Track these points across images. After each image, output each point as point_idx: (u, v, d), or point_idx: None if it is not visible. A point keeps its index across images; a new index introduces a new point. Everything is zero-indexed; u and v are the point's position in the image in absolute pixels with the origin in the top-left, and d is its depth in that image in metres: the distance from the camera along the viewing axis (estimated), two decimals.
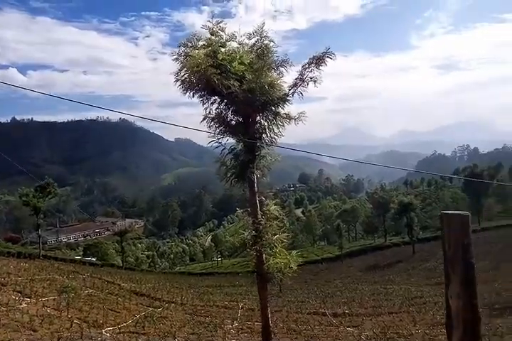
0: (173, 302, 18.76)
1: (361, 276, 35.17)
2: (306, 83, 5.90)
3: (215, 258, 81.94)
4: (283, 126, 6.08)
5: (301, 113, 6.02)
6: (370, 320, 15.74)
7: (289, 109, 6.05)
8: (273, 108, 5.88)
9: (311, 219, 77.98)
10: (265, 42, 5.37)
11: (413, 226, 40.39)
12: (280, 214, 7.18)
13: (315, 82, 5.88)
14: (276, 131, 6.13)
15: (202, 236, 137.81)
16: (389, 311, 17.47)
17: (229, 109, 6.04)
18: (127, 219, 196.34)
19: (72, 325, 10.72)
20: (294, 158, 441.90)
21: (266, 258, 6.15)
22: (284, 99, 5.85)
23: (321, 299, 22.93)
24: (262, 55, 5.29)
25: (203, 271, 63.81)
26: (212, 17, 5.51)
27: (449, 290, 2.81)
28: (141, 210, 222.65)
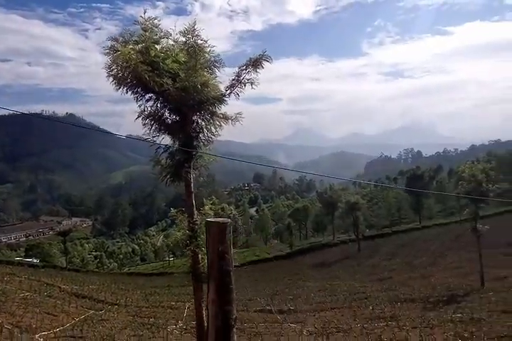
0: (116, 304, 18.18)
1: (309, 273, 36.06)
2: (243, 84, 5.95)
3: (167, 258, 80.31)
4: (220, 125, 6.10)
5: (237, 113, 6.08)
6: (314, 315, 16.19)
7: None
8: (209, 107, 5.88)
9: (264, 218, 78.85)
10: (198, 41, 5.35)
11: (359, 224, 42.15)
12: (218, 213, 7.15)
13: (252, 83, 5.96)
14: (213, 130, 6.14)
15: (154, 235, 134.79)
16: (332, 307, 18.06)
17: (165, 107, 5.97)
18: (74, 218, 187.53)
19: (1, 330, 10.07)
20: (249, 158, 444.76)
21: (202, 258, 6.14)
22: (220, 99, 5.86)
23: (269, 296, 23.24)
24: (194, 54, 5.27)
25: (154, 271, 62.37)
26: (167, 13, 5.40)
27: (208, 296, 2.82)
28: (89, 209, 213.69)
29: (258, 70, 5.91)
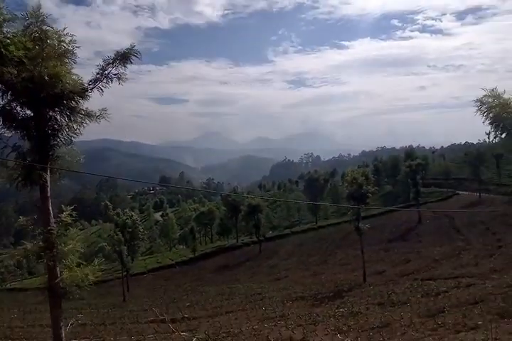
0: None
1: (211, 278, 35.85)
2: (109, 80, 5.47)
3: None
4: (83, 123, 5.52)
5: (102, 109, 5.56)
6: (208, 321, 15.97)
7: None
8: (69, 102, 5.27)
9: (168, 223, 76.53)
10: (44, 27, 4.74)
11: (260, 226, 43.30)
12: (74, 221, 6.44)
13: (119, 79, 5.51)
14: (75, 128, 5.52)
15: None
16: (227, 311, 18.04)
17: (15, 100, 5.19)
18: None
19: None
20: (155, 160, 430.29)
21: (60, 271, 5.45)
22: (81, 94, 5.30)
23: (166, 305, 22.42)
24: (39, 41, 4.66)
25: (42, 285, 55.95)
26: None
27: None
28: None
29: (127, 65, 5.50)
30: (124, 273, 32.72)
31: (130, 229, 34.33)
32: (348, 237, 37.89)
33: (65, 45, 4.94)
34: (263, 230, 49.36)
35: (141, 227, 53.44)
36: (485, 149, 52.63)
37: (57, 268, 5.44)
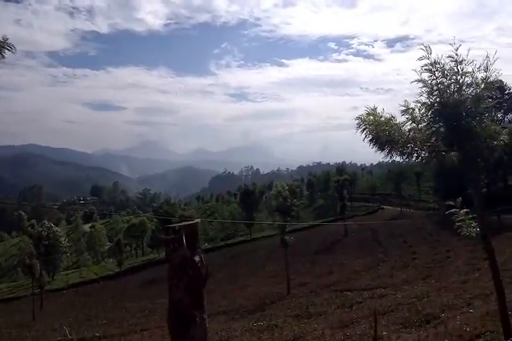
0: None
1: (136, 293, 34.08)
2: None
3: None
4: None
5: None
6: (119, 340, 14.98)
7: None
8: None
9: (95, 236, 72.28)
10: None
11: None
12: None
13: None
14: None
15: None
16: (144, 328, 17.13)
17: None
18: None
19: None
20: (87, 168, 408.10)
21: None
22: None
23: (79, 323, 20.79)
24: None
25: None
26: None
27: None
28: None
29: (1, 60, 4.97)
30: (38, 290, 29.98)
31: (46, 242, 31.66)
32: (279, 250, 38.25)
33: None
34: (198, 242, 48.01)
35: (62, 240, 49.85)
36: (406, 167, 56.70)
37: None
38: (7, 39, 4.99)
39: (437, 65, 4.56)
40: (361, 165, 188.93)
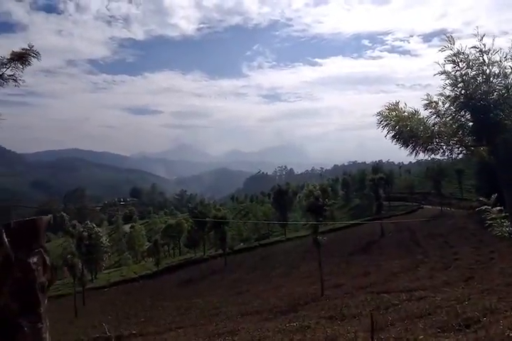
0: None
1: (173, 292, 34.85)
2: (4, 81, 5.14)
3: None
4: None
5: None
6: (154, 338, 15.34)
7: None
8: None
9: (134, 236, 74.58)
10: None
11: (226, 238, 42.73)
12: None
13: (15, 81, 5.19)
14: None
15: None
16: (179, 326, 17.44)
17: None
18: None
19: None
20: (127, 171, 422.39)
21: None
22: None
23: (118, 321, 21.50)
24: None
25: None
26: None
27: None
28: None
29: (24, 66, 5.20)
30: (81, 288, 31.34)
31: (87, 242, 33.04)
32: (313, 250, 37.88)
33: None
34: (232, 242, 48.74)
35: (103, 240, 51.88)
36: (447, 165, 54.37)
37: None
38: (32, 46, 5.22)
39: (461, 56, 4.29)
40: (399, 163, 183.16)
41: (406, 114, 4.85)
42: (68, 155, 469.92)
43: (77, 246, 30.10)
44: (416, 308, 14.88)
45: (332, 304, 18.50)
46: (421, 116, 4.78)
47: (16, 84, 5.20)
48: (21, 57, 5.13)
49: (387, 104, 4.81)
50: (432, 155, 4.83)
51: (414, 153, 4.89)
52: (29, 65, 5.19)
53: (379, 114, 4.82)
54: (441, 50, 4.38)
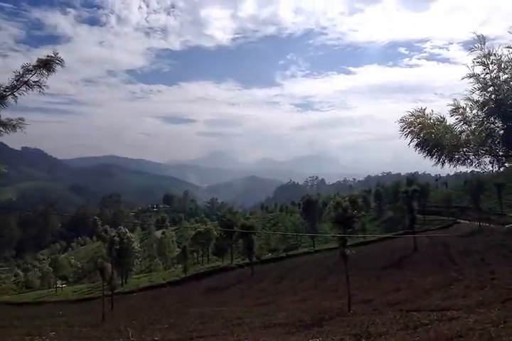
0: None
1: (199, 299, 34.85)
2: (29, 87, 5.30)
3: (59, 285, 72.12)
4: None
5: (19, 119, 5.37)
6: None
7: None
8: None
9: (164, 242, 75.79)
10: None
11: (253, 248, 42.49)
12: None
13: (40, 87, 5.34)
14: None
15: (44, 259, 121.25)
16: (200, 335, 17.27)
17: None
18: None
19: None
20: (160, 178, 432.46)
21: None
22: None
23: (142, 326, 21.65)
24: None
25: (38, 299, 55.18)
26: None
27: None
28: None
29: (49, 73, 5.34)
30: (109, 292, 31.98)
31: (118, 246, 33.78)
32: (342, 263, 36.94)
33: None
34: (260, 252, 48.39)
35: (135, 245, 52.97)
36: (486, 178, 51.82)
37: None
38: (57, 54, 5.36)
39: (492, 57, 3.97)
40: (436, 175, 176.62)
41: (432, 121, 4.55)
42: (106, 161, 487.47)
43: (109, 250, 30.86)
44: (447, 329, 14.00)
45: (358, 320, 17.76)
46: (448, 124, 4.47)
47: (41, 90, 5.34)
48: (46, 64, 5.28)
49: (411, 110, 4.54)
50: (459, 166, 4.49)
51: (439, 164, 4.58)
52: (53, 71, 5.33)
53: (402, 120, 4.55)
54: (471, 51, 4.07)
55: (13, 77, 5.21)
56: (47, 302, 46.83)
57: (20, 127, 5.40)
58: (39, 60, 5.25)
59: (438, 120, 4.53)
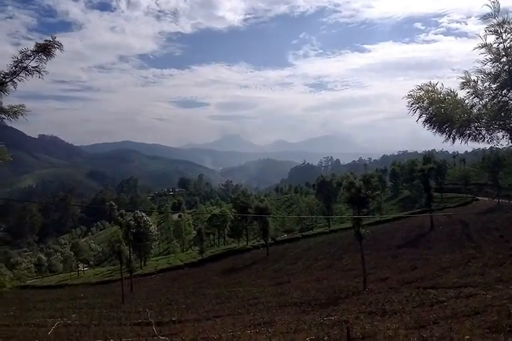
0: None
1: (215, 280, 35.55)
2: (28, 73, 5.24)
3: (81, 268, 74.68)
4: None
5: (20, 106, 5.34)
6: (193, 325, 15.64)
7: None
8: None
9: (181, 224, 76.95)
10: None
11: (268, 229, 42.76)
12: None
13: (39, 72, 5.27)
14: None
15: (65, 244, 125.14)
16: (217, 315, 17.67)
17: None
18: None
19: None
20: (176, 162, 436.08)
21: None
22: None
23: (160, 307, 22.25)
24: None
25: (61, 282, 57.21)
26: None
27: None
28: None
29: (47, 58, 5.27)
30: (128, 274, 32.85)
31: (134, 230, 34.44)
32: (357, 242, 37.01)
33: None
34: (275, 233, 48.70)
35: (152, 228, 53.94)
36: (505, 154, 50.46)
37: None
38: (55, 38, 5.25)
39: (506, 26, 3.69)
40: (453, 152, 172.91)
41: (441, 95, 4.33)
42: (122, 147, 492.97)
43: (125, 234, 31.60)
44: (464, 306, 13.97)
45: (374, 298, 17.89)
46: (458, 98, 4.24)
47: (40, 75, 5.27)
48: (45, 49, 5.18)
49: (420, 85, 4.31)
50: (471, 142, 4.27)
51: (450, 140, 4.38)
52: (52, 56, 5.24)
53: (410, 95, 4.33)
54: (484, 19, 3.79)
55: (12, 63, 5.14)
56: (69, 285, 48.51)
57: (21, 114, 5.36)
58: (37, 45, 5.15)
59: (448, 94, 4.30)
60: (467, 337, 10.39)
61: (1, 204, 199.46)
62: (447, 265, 24.47)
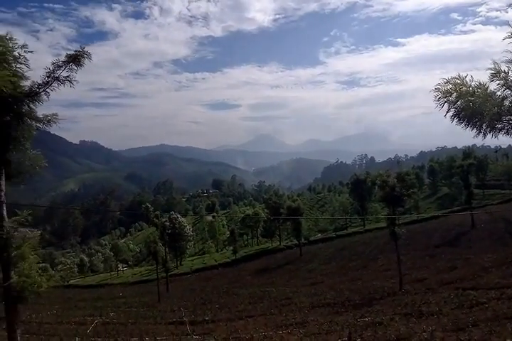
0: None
1: (249, 280, 35.71)
2: (60, 82, 5.49)
3: (120, 268, 77.35)
4: (32, 127, 5.56)
5: (53, 114, 5.59)
6: (226, 325, 15.80)
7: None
8: (19, 106, 5.35)
9: (214, 225, 77.92)
10: None
11: (300, 229, 42.44)
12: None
13: (70, 82, 5.51)
14: (26, 133, 5.56)
15: (106, 245, 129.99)
16: (249, 315, 17.76)
17: None
18: (21, 229, 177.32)
19: None
20: (209, 164, 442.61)
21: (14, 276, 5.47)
22: (31, 97, 5.36)
23: (195, 306, 22.62)
24: None
25: (102, 282, 59.52)
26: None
27: None
28: (38, 219, 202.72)
29: (78, 67, 5.50)
30: (164, 274, 33.63)
31: (169, 231, 35.22)
32: (393, 242, 36.05)
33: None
34: (309, 233, 48.27)
35: (187, 229, 54.96)
36: None
37: (12, 272, 5.47)
38: (84, 48, 5.47)
39: None
40: (496, 147, 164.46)
41: (471, 88, 4.14)
42: (157, 150, 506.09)
43: (161, 235, 32.47)
44: (506, 308, 13.31)
45: (410, 300, 17.35)
46: (489, 90, 4.04)
47: (72, 85, 5.51)
48: (75, 59, 5.40)
49: (447, 78, 4.14)
50: (503, 136, 4.06)
51: (481, 134, 4.18)
52: (82, 66, 5.45)
53: (437, 89, 4.17)
54: None
55: (45, 73, 5.40)
56: (109, 285, 50.32)
57: (54, 122, 5.62)
58: (68, 56, 5.39)
59: (478, 87, 4.10)
60: (508, 340, 9.90)
61: (46, 208, 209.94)
62: (489, 265, 23.34)
